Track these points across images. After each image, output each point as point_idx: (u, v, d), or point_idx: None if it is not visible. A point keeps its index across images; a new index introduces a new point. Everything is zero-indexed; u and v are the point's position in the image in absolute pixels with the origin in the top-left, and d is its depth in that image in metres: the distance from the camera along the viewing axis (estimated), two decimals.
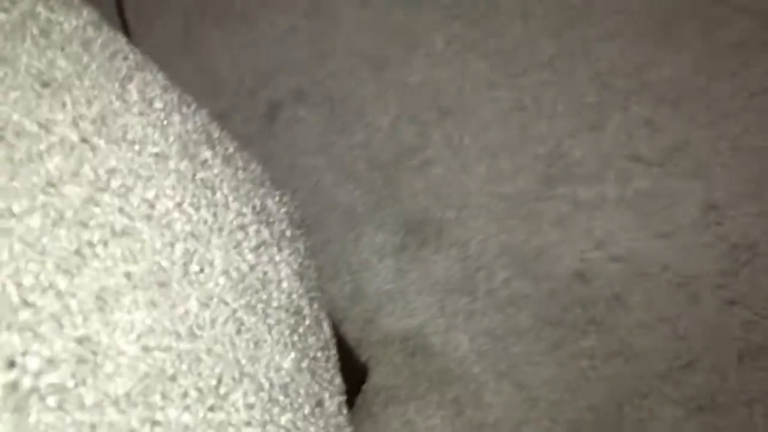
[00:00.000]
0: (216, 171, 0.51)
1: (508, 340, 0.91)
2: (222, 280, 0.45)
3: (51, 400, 0.32)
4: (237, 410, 0.41)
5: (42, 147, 0.37)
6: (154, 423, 0.36)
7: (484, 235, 0.99)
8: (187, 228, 0.44)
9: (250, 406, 0.42)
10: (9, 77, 0.37)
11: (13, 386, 0.30)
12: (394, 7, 1.26)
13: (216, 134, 0.55)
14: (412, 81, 1.17)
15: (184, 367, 0.39)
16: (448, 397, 0.90)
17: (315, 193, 1.12)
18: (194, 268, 0.43)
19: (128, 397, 0.35)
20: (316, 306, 0.60)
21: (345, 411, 0.58)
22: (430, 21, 1.22)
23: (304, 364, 0.52)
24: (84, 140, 0.39)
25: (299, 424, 0.47)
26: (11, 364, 0.30)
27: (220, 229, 0.47)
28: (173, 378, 0.38)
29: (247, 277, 0.48)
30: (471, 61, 1.15)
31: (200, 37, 1.39)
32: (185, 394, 0.38)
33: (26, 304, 0.33)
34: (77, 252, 0.36)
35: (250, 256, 0.50)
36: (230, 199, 0.51)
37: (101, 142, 0.40)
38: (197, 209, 0.46)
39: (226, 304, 0.44)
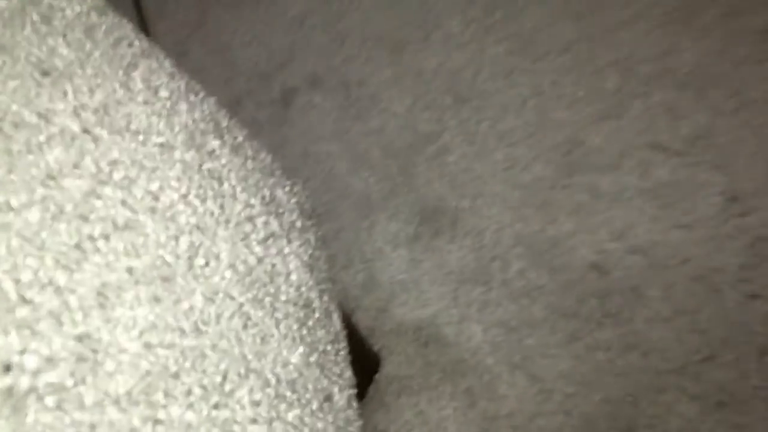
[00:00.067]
0: (224, 161, 0.50)
1: (522, 332, 0.90)
2: (228, 273, 0.44)
3: (49, 400, 0.31)
4: (242, 407, 0.40)
5: (41, 138, 0.36)
6: (156, 422, 0.35)
7: (500, 225, 0.98)
8: (193, 220, 0.43)
9: (256, 403, 0.41)
10: (7, 66, 0.36)
11: (10, 388, 0.29)
12: None
13: (224, 123, 0.54)
14: (428, 66, 1.15)
15: (188, 364, 0.38)
16: (461, 389, 0.89)
17: (328, 181, 1.11)
18: (199, 261, 0.42)
19: (129, 395, 0.34)
20: (326, 298, 0.59)
21: (354, 405, 0.57)
22: (448, 4, 1.20)
23: (313, 359, 0.51)
24: (85, 131, 0.38)
25: (307, 420, 0.46)
26: (7, 368, 0.29)
27: (227, 221, 0.46)
28: (176, 375, 0.37)
29: (254, 271, 0.47)
30: (489, 45, 1.13)
31: (215, 20, 1.38)
32: (189, 392, 0.37)
33: (24, 301, 0.32)
34: (77, 246, 0.35)
35: (258, 249, 0.49)
36: (238, 189, 0.50)
37: (103, 133, 0.39)
38: (203, 201, 0.45)
39: (233, 298, 0.43)
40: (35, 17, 0.40)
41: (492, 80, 1.09)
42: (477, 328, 0.92)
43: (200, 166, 0.46)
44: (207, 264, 0.42)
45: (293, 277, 0.53)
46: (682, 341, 0.84)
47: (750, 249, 0.85)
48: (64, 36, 0.41)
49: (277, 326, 0.47)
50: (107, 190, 0.38)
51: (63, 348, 0.32)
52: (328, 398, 0.51)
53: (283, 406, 0.44)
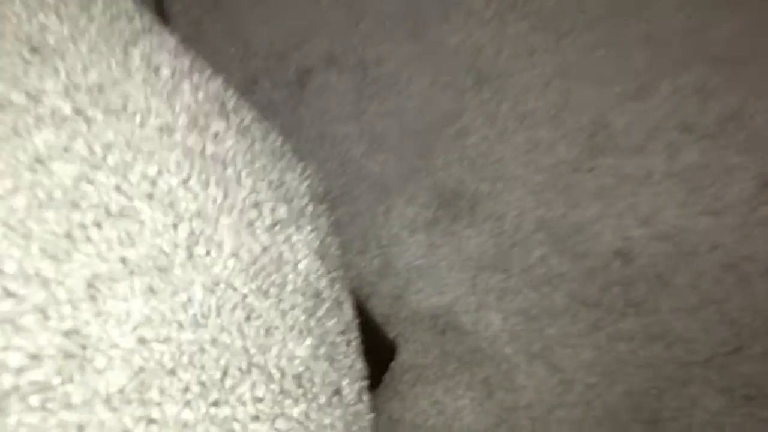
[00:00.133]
0: (228, 144, 0.47)
1: (542, 321, 0.87)
2: (231, 263, 0.42)
3: (34, 400, 0.29)
4: (244, 404, 0.38)
5: (29, 120, 0.34)
6: (150, 421, 0.33)
7: (520, 209, 0.95)
8: (193, 207, 0.40)
9: (258, 399, 0.40)
10: None
11: None
12: None
13: (231, 104, 0.51)
14: (448, 44, 1.12)
15: (185, 359, 0.36)
16: (479, 378, 0.87)
17: (344, 164, 1.08)
18: (200, 250, 0.40)
19: (121, 393, 0.32)
20: (337, 287, 0.56)
21: (365, 398, 0.55)
22: None
23: (321, 351, 0.49)
24: (78, 112, 0.36)
25: (313, 415, 0.44)
26: None
27: (231, 208, 0.44)
28: (173, 372, 0.35)
29: (259, 260, 0.45)
30: (511, 22, 1.09)
31: None
32: (186, 389, 0.35)
33: (8, 293, 0.30)
34: (67, 235, 0.33)
35: (263, 237, 0.46)
36: (243, 174, 0.47)
37: (97, 114, 0.37)
38: (205, 186, 0.42)
39: (235, 289, 0.41)
40: None
41: (514, 59, 1.06)
42: (496, 316, 0.89)
43: (203, 149, 0.44)
44: (208, 253, 0.40)
45: (302, 265, 0.50)
46: (708, 332, 0.81)
47: None
48: (57, 10, 0.39)
49: (283, 318, 0.45)
50: (100, 175, 0.35)
51: (49, 344, 0.30)
52: (337, 392, 0.49)
53: (287, 402, 0.42)
